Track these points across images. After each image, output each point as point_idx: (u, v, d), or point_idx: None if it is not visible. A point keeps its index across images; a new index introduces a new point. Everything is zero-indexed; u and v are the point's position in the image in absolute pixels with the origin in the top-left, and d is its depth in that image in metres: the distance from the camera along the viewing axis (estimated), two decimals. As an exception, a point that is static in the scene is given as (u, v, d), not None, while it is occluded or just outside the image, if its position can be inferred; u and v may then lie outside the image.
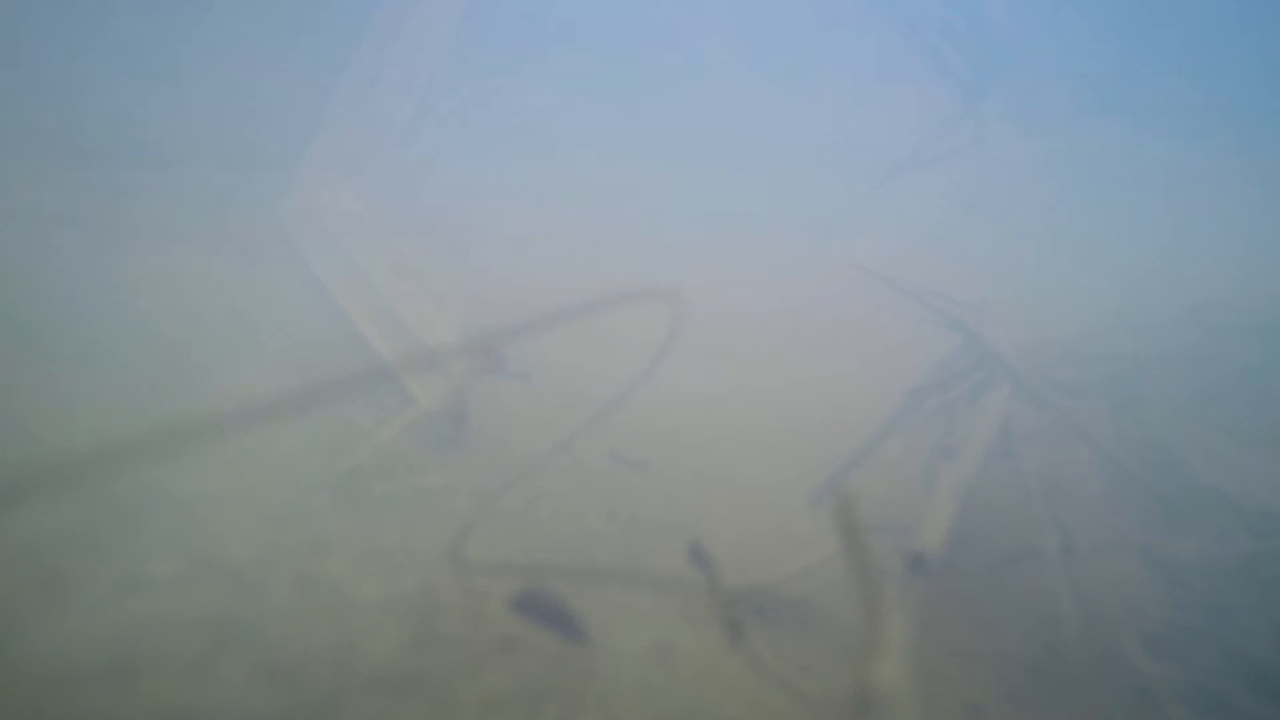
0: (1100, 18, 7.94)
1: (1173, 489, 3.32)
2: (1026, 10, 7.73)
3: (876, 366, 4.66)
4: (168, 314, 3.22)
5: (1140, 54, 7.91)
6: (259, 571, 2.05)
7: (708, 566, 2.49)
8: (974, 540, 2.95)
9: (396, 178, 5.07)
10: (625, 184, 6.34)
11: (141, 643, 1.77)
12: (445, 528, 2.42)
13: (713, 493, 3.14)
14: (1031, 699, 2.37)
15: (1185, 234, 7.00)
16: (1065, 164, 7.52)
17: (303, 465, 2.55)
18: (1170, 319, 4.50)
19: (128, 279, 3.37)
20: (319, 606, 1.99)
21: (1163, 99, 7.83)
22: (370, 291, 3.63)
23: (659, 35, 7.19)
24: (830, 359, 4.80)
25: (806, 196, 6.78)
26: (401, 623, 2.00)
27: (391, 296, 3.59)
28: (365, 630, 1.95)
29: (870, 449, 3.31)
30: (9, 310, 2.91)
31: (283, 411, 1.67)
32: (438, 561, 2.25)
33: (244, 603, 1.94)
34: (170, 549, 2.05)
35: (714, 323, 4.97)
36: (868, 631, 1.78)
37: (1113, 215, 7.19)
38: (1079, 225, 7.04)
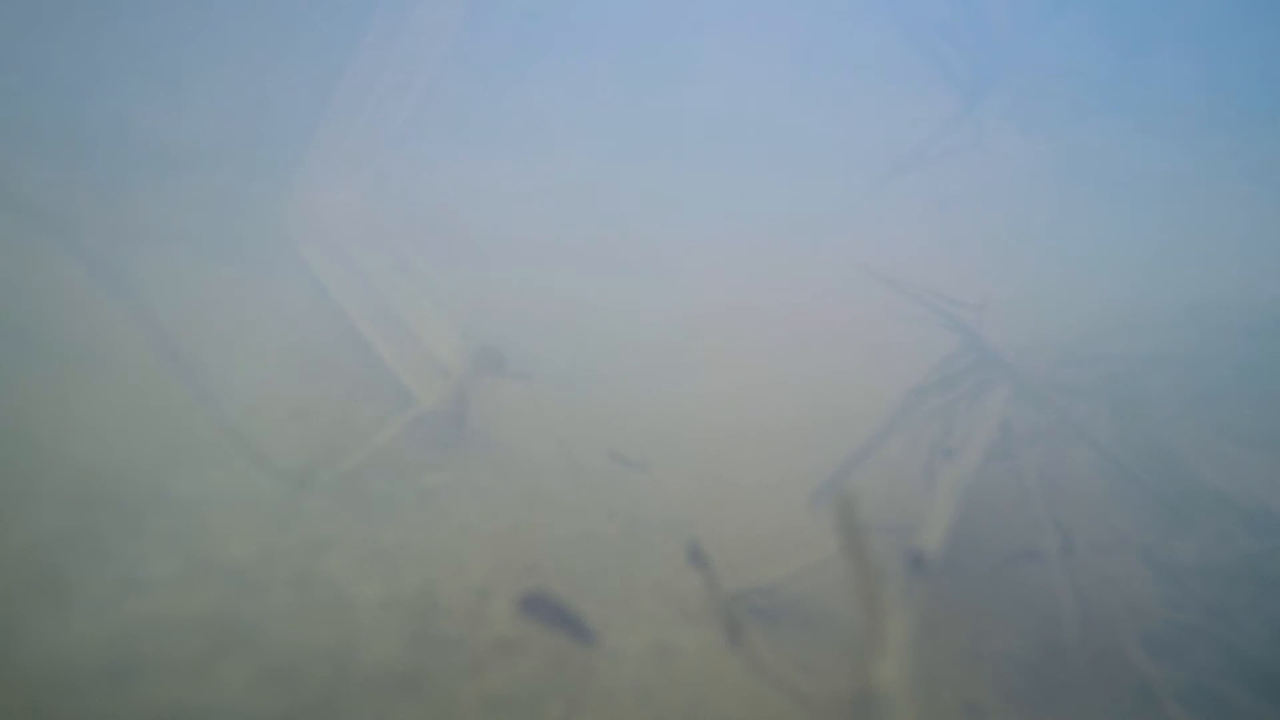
0: (1101, 18, 7.94)
1: (1173, 489, 3.32)
2: (1026, 10, 7.73)
3: (876, 366, 4.66)
4: (168, 314, 3.22)
5: (1140, 54, 7.91)
6: (259, 571, 2.05)
7: (707, 566, 2.49)
8: (974, 540, 2.95)
9: (396, 178, 5.07)
10: (625, 184, 6.34)
11: (141, 643, 1.77)
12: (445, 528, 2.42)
13: (713, 493, 3.14)
14: (1031, 699, 2.37)
15: (1185, 234, 6.99)
16: (1065, 164, 7.52)
17: (303, 465, 2.55)
18: (1170, 319, 4.50)
19: (128, 279, 3.37)
20: (319, 606, 1.99)
21: (1163, 99, 7.83)
22: (370, 292, 3.63)
23: (660, 35, 7.20)
24: (830, 359, 4.80)
25: (806, 196, 6.78)
26: (401, 623, 2.00)
27: (392, 297, 3.59)
28: (365, 630, 1.95)
29: (870, 449, 3.30)
30: (10, 311, 2.91)
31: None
32: (438, 561, 2.25)
33: (244, 603, 1.94)
34: (170, 549, 2.05)
35: (714, 323, 4.96)
36: (868, 631, 1.78)
37: (1113, 215, 7.18)
38: (1079, 225, 7.04)
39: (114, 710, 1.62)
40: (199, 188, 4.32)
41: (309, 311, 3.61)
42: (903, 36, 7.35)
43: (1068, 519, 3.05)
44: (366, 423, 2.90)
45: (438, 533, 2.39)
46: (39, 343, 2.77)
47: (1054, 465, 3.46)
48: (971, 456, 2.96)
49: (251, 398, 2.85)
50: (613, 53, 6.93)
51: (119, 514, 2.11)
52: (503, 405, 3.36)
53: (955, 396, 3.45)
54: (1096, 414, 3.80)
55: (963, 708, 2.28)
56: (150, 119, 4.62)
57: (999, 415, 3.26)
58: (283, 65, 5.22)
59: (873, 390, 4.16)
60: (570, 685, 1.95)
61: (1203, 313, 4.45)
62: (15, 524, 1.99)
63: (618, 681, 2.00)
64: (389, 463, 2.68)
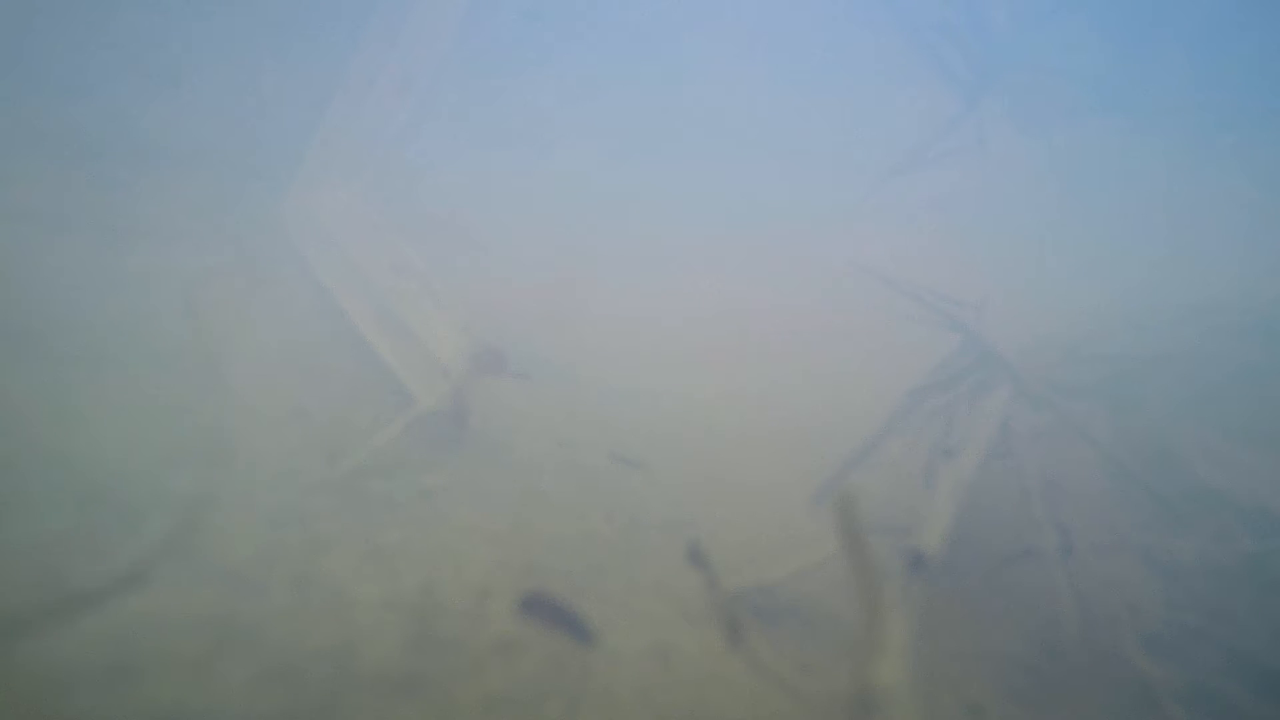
0: (1100, 18, 7.94)
1: (1173, 489, 3.32)
2: (1026, 10, 7.73)
3: (876, 366, 4.66)
4: (168, 314, 3.22)
5: (1140, 54, 7.91)
6: (259, 571, 2.05)
7: (707, 566, 2.49)
8: (974, 540, 2.95)
9: (396, 178, 5.07)
10: (625, 184, 6.33)
11: (141, 643, 1.77)
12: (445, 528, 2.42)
13: (713, 493, 3.14)
14: (1031, 699, 2.37)
15: (1185, 234, 6.99)
16: (1065, 164, 7.52)
17: (303, 465, 2.55)
18: (1170, 319, 4.50)
19: (128, 279, 3.37)
20: (319, 606, 1.99)
21: (1163, 99, 7.83)
22: (370, 292, 3.63)
23: (660, 35, 7.20)
24: (830, 359, 4.79)
25: (807, 196, 6.78)
26: (401, 623, 2.00)
27: (392, 297, 3.59)
28: (365, 630, 1.95)
29: (870, 449, 3.30)
30: (9, 311, 2.91)
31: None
32: (438, 561, 2.25)
33: (244, 603, 1.94)
34: (170, 549, 2.05)
35: (714, 323, 4.96)
36: (868, 631, 1.78)
37: (1113, 215, 7.18)
38: (1079, 225, 7.04)
39: (114, 710, 1.62)
40: (199, 188, 4.31)
41: (309, 311, 3.61)
42: (903, 36, 7.35)
43: (1068, 519, 3.05)
44: (366, 423, 2.90)
45: (438, 533, 2.39)
46: (39, 343, 2.77)
47: (1054, 465, 3.46)
48: (971, 456, 2.96)
49: (251, 398, 2.84)
50: (612, 53, 6.93)
51: (119, 514, 2.11)
52: (503, 405, 3.36)
53: (955, 396, 3.45)
54: (1096, 414, 3.80)
55: (963, 708, 2.28)
56: (150, 119, 4.62)
57: (999, 415, 3.26)
58: (283, 65, 5.22)
59: (873, 390, 4.16)
60: (570, 685, 1.95)
61: (1203, 313, 4.44)
62: (15, 524, 1.99)
63: (618, 681, 2.00)
64: (389, 463, 2.68)
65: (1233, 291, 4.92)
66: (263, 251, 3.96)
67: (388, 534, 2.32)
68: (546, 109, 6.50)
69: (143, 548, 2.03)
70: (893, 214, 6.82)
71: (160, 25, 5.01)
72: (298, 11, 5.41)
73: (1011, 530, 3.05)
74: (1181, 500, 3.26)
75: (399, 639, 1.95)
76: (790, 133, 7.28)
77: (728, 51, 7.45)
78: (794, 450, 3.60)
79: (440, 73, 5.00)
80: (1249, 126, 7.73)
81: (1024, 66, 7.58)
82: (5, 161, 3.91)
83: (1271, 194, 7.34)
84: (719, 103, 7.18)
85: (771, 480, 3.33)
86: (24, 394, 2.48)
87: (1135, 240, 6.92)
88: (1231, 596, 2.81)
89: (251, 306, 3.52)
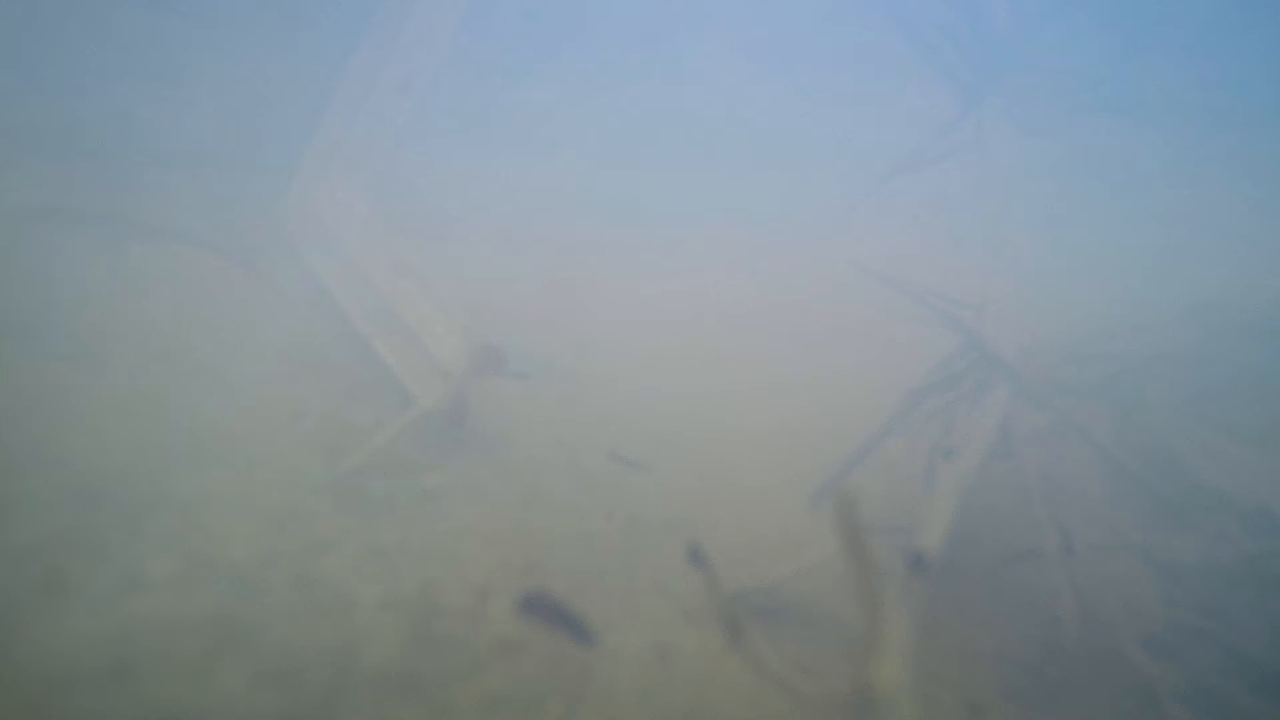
0: (1100, 18, 7.93)
1: (1173, 489, 3.31)
2: (1026, 10, 7.72)
3: (876, 366, 4.66)
4: (168, 314, 3.22)
5: (1140, 54, 7.90)
6: (259, 571, 2.05)
7: (707, 566, 2.49)
8: (974, 540, 2.95)
9: (396, 178, 5.07)
10: (625, 184, 6.33)
11: (141, 643, 1.77)
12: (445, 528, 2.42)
13: (713, 493, 3.14)
14: (1031, 699, 2.37)
15: (1185, 234, 6.99)
16: (1065, 164, 7.52)
17: (303, 465, 2.55)
18: (1170, 319, 4.50)
19: (128, 278, 3.37)
20: (319, 606, 1.99)
21: (1163, 99, 7.82)
22: (370, 292, 3.63)
23: (660, 36, 7.19)
24: (830, 359, 4.79)
25: (806, 196, 6.77)
26: (401, 623, 2.00)
27: (392, 297, 3.59)
28: (365, 630, 1.95)
29: (870, 449, 3.30)
30: (10, 310, 2.91)
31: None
32: (438, 561, 2.25)
33: (244, 603, 1.94)
34: (170, 549, 2.05)
35: (714, 322, 4.96)
36: (868, 631, 1.78)
37: (1113, 215, 7.18)
38: (1079, 225, 7.04)
39: (114, 710, 1.62)
40: (199, 188, 4.31)
41: (309, 311, 3.61)
42: (903, 36, 7.34)
43: (1068, 519, 3.05)
44: (366, 423, 2.90)
45: (438, 533, 2.39)
46: (40, 342, 2.77)
47: (1054, 465, 3.46)
48: (971, 456, 2.96)
49: (251, 398, 2.84)
50: (612, 53, 6.93)
51: (119, 514, 2.11)
52: (503, 405, 3.35)
53: (955, 396, 3.45)
54: (1096, 414, 3.80)
55: (963, 708, 2.28)
56: (150, 118, 4.62)
57: (999, 415, 3.26)
58: (283, 65, 5.22)
59: (873, 390, 4.15)
60: (570, 685, 1.95)
61: (1203, 312, 4.44)
62: (15, 524, 1.99)
63: (618, 681, 2.00)
64: (389, 463, 2.68)
65: (1233, 291, 4.92)
66: (263, 251, 3.96)
67: (388, 534, 2.32)
68: (546, 109, 6.50)
69: (143, 548, 2.03)
70: (893, 214, 6.82)
71: (160, 25, 5.01)
72: (298, 11, 5.41)
73: (1011, 530, 3.05)
74: (1181, 500, 3.26)
75: (399, 639, 1.95)
76: (790, 133, 7.28)
77: (728, 52, 7.44)
78: (794, 450, 3.60)
79: (440, 73, 5.00)
80: (1249, 126, 7.72)
81: (1024, 66, 7.57)
82: (6, 160, 3.91)
83: (1271, 194, 7.34)
84: (719, 103, 7.17)
85: (771, 480, 3.32)
86: (24, 394, 2.48)
87: (1135, 240, 6.91)
88: (1231, 596, 2.81)
89: (251, 306, 3.52)
